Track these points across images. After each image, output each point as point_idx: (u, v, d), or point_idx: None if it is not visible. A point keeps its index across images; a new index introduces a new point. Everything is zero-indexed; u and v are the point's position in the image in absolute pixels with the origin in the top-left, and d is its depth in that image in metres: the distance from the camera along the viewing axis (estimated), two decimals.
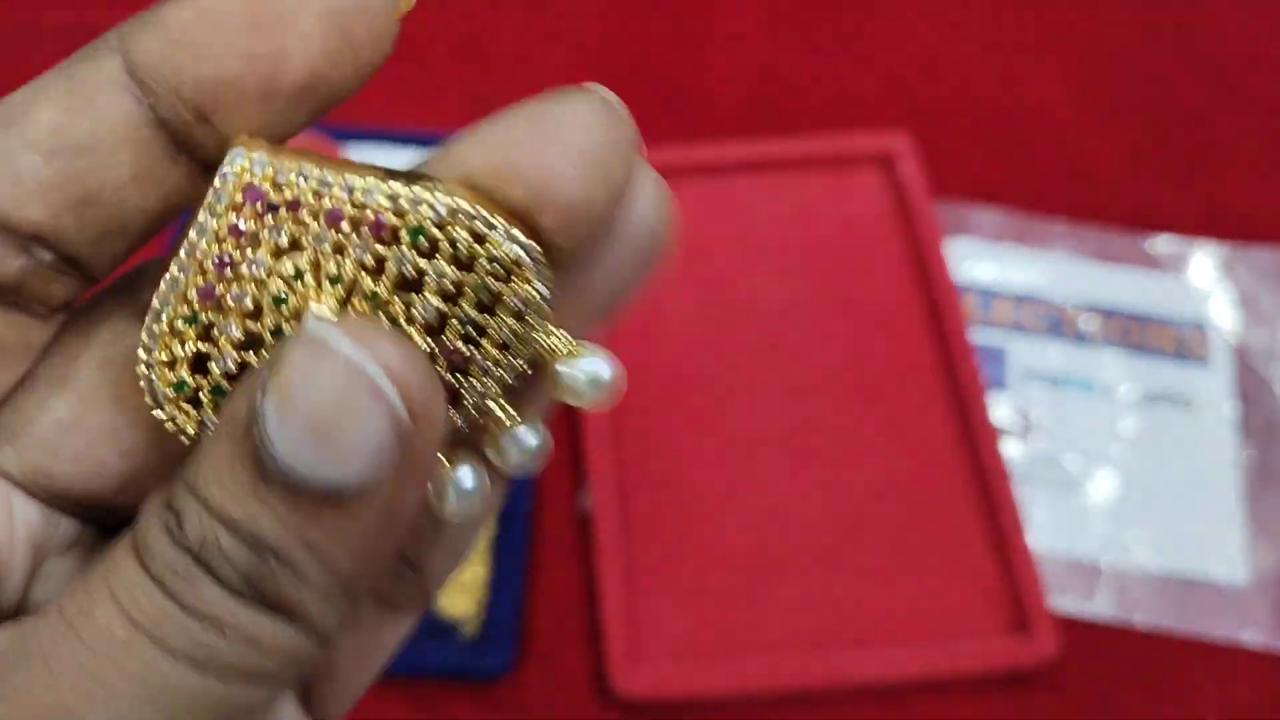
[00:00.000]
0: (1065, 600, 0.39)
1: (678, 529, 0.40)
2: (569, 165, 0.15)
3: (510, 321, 0.16)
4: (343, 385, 0.13)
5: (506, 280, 0.15)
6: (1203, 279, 0.47)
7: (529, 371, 0.16)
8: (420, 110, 0.51)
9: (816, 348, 0.44)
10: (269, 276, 0.15)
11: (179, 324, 0.15)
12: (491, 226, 0.15)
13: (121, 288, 0.17)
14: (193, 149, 0.15)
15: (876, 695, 0.37)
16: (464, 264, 0.15)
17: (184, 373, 0.15)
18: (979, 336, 0.45)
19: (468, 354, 0.16)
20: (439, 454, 0.16)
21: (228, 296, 0.15)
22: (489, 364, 0.16)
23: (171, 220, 0.16)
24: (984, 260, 0.48)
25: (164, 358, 0.15)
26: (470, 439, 0.17)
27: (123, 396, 0.16)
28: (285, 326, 0.15)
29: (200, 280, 0.15)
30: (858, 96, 0.53)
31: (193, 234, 0.15)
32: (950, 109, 0.53)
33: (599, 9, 0.57)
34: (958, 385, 0.43)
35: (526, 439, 0.17)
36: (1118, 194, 0.50)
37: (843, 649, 0.37)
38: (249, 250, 0.15)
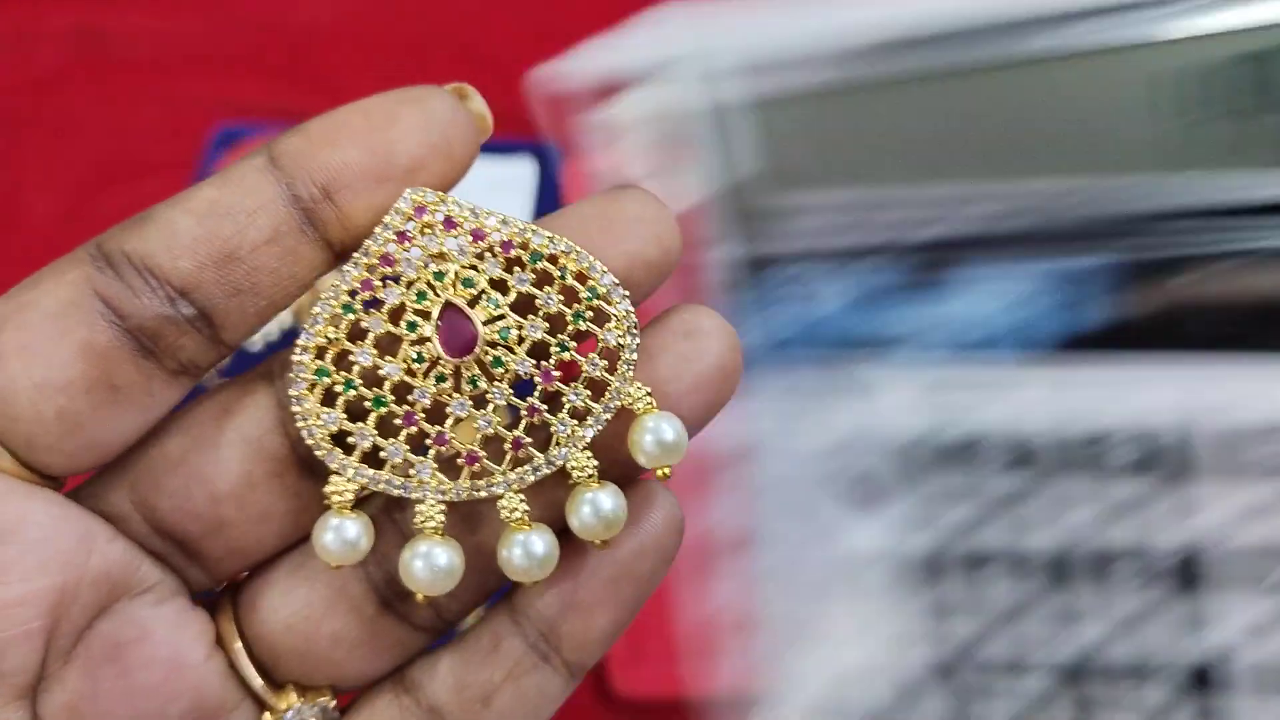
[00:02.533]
0: None
1: None
2: (646, 246, 0.19)
3: (601, 362, 0.19)
4: None
5: (601, 324, 0.19)
6: None
7: (610, 418, 0.19)
8: None
9: None
10: (418, 278, 0.18)
11: (338, 310, 0.18)
12: (594, 267, 0.18)
13: (258, 373, 0.20)
14: (318, 224, 0.18)
15: None
16: (569, 295, 0.19)
17: (328, 363, 0.18)
18: None
19: (562, 388, 0.19)
20: (517, 509, 0.19)
21: (382, 291, 0.18)
22: (578, 402, 0.19)
23: (301, 292, 0.19)
24: None
25: (317, 342, 0.18)
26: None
27: (224, 443, 0.19)
28: (418, 321, 0.18)
29: (364, 274, 0.18)
30: None
31: (368, 240, 0.18)
32: None
33: (599, 10, 0.57)
34: None
35: (602, 501, 0.18)
36: None
37: None
38: (407, 255, 0.18)
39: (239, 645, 0.19)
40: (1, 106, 0.52)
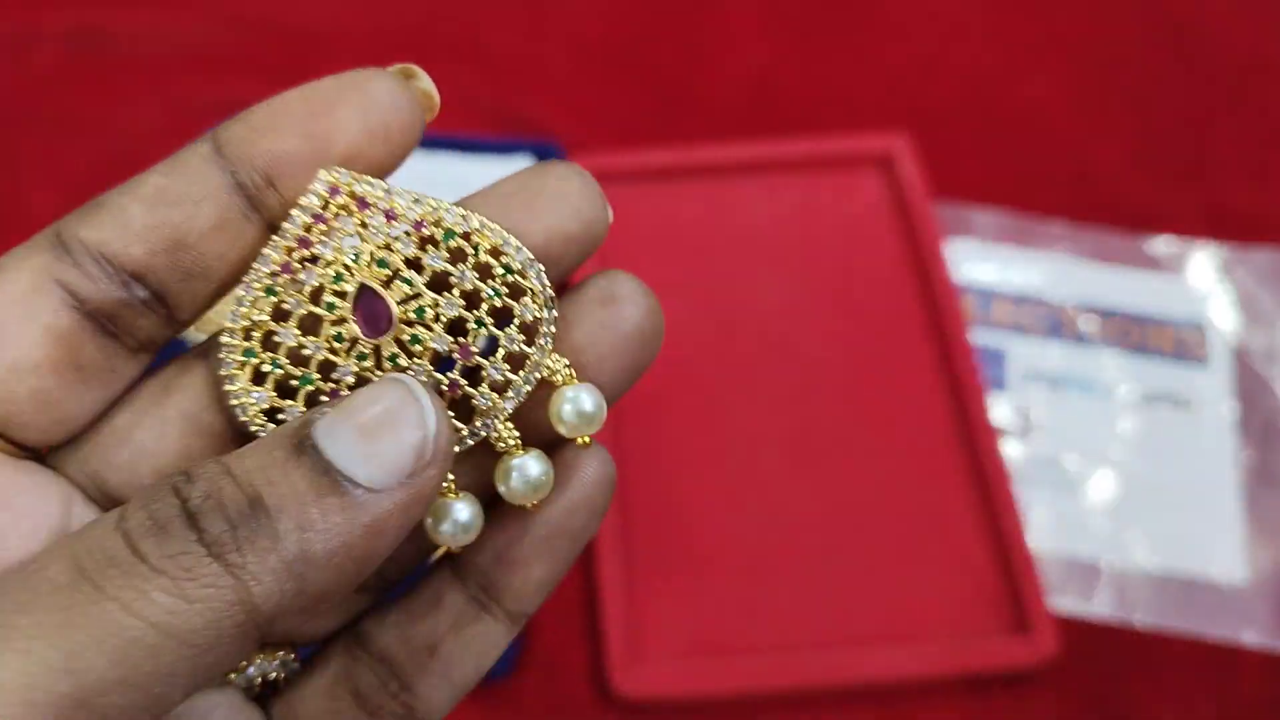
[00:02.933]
0: (1065, 600, 0.39)
1: (678, 529, 0.40)
2: (567, 220, 0.19)
3: (520, 337, 0.19)
4: (398, 404, 0.17)
5: (517, 298, 0.19)
6: (1202, 280, 0.47)
7: (530, 390, 0.19)
8: None
9: (816, 348, 0.44)
10: (335, 259, 0.19)
11: (260, 293, 0.19)
12: (508, 242, 0.19)
13: (197, 353, 0.20)
14: (262, 209, 0.19)
15: (876, 695, 0.37)
16: (484, 271, 0.19)
17: (255, 344, 0.19)
18: (979, 337, 0.45)
19: (482, 362, 0.19)
20: (443, 484, 0.19)
21: (302, 273, 0.19)
22: (498, 376, 0.19)
23: (244, 273, 0.19)
24: (984, 261, 0.48)
25: (243, 324, 0.19)
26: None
27: (166, 420, 0.20)
28: (336, 302, 0.19)
29: (284, 257, 0.19)
30: (857, 97, 0.53)
31: (285, 222, 0.19)
32: (950, 110, 0.53)
33: (599, 9, 0.57)
34: (957, 386, 0.43)
35: (529, 468, 0.19)
36: (1117, 195, 0.50)
37: (843, 649, 0.37)
38: (324, 237, 0.19)
39: None
40: (1, 106, 0.52)
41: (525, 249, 0.19)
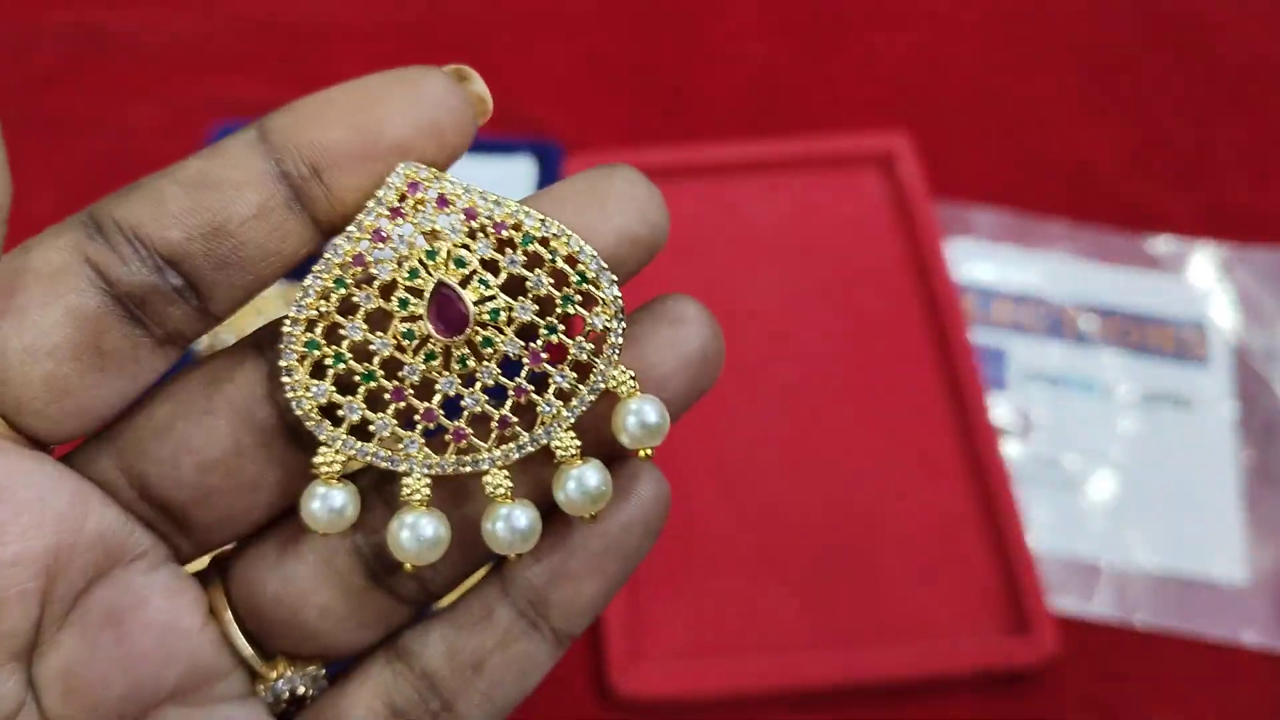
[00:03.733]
0: (1065, 600, 0.39)
1: (678, 529, 0.40)
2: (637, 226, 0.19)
3: (589, 346, 0.19)
4: None
5: (588, 307, 0.19)
6: (1202, 279, 0.47)
7: (594, 400, 0.19)
8: None
9: (816, 348, 0.44)
10: (410, 254, 0.18)
11: (330, 284, 0.18)
12: (584, 250, 0.18)
13: (248, 343, 0.19)
14: (306, 201, 0.18)
15: (876, 695, 0.37)
16: (558, 278, 0.19)
17: (318, 336, 0.18)
18: (979, 336, 0.45)
19: (549, 369, 0.19)
20: (501, 485, 0.19)
21: (374, 266, 0.18)
22: (564, 384, 0.19)
23: (287, 269, 0.18)
24: (984, 260, 0.48)
25: (308, 315, 0.18)
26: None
27: (212, 411, 0.19)
28: (410, 298, 0.18)
29: (356, 249, 0.18)
30: (857, 96, 0.53)
31: (360, 214, 0.18)
32: (950, 109, 0.53)
33: (599, 9, 0.57)
34: (958, 385, 0.43)
35: (588, 477, 0.19)
36: (1117, 194, 0.50)
37: (842, 649, 0.37)
38: (399, 232, 0.18)
39: (229, 615, 0.20)
40: (1, 104, 0.52)
41: (600, 258, 0.18)
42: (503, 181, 0.48)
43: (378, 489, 0.20)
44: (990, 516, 0.40)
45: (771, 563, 0.40)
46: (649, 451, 0.19)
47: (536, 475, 0.20)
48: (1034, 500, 0.41)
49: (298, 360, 0.18)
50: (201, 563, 0.21)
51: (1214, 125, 0.52)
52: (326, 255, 0.18)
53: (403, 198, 0.18)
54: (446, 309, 0.18)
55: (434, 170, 0.18)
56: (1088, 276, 0.47)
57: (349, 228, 0.18)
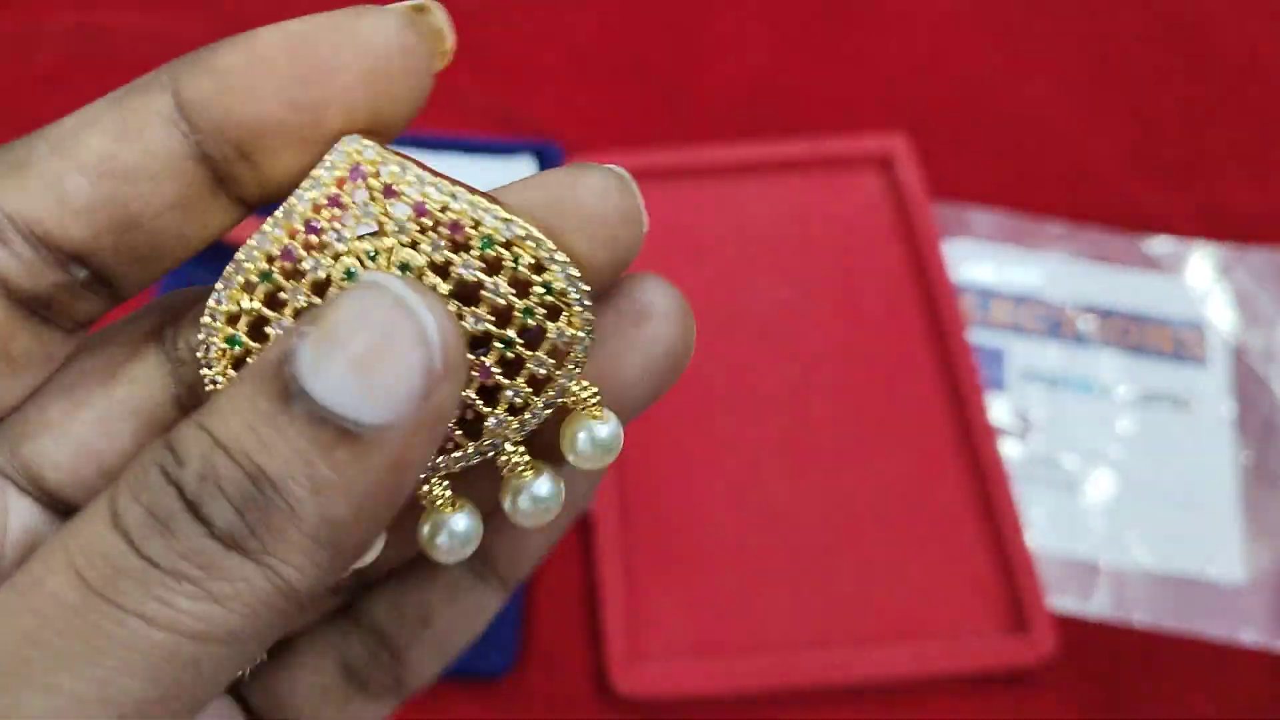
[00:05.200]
0: (1063, 600, 0.39)
1: (678, 529, 0.40)
2: (610, 224, 0.16)
3: (549, 360, 0.17)
4: (391, 324, 0.13)
5: (554, 318, 0.16)
6: (1200, 280, 0.47)
7: (550, 413, 0.17)
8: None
9: (815, 348, 0.45)
10: (348, 251, 0.16)
11: (254, 278, 0.16)
12: (553, 258, 0.16)
13: (139, 316, 0.18)
14: (231, 184, 0.16)
15: (876, 695, 0.37)
16: (520, 287, 0.16)
17: (241, 330, 0.16)
18: (977, 337, 0.45)
19: (501, 382, 0.17)
20: (440, 496, 0.17)
21: (305, 261, 0.16)
22: (518, 399, 0.17)
23: (203, 249, 0.16)
24: (982, 261, 0.48)
25: (229, 308, 0.16)
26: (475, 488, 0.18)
27: (114, 415, 0.17)
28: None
29: (286, 240, 0.16)
30: (856, 98, 0.54)
31: (293, 199, 0.16)
32: (948, 110, 0.53)
33: (598, 10, 0.57)
34: (956, 386, 0.43)
35: (539, 488, 0.17)
36: (1116, 195, 0.50)
37: (842, 648, 0.37)
38: (337, 224, 0.16)
39: None
40: (2, 107, 0.52)
41: (571, 266, 0.16)
42: (503, 183, 0.48)
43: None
44: (989, 516, 0.40)
45: (771, 562, 0.40)
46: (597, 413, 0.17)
47: (486, 476, 0.18)
48: (1032, 500, 0.42)
49: (218, 355, 0.16)
50: None
51: (1211, 126, 0.53)
52: (251, 244, 0.16)
53: (342, 184, 0.16)
54: None
55: (380, 150, 0.16)
56: (1086, 277, 0.47)
57: (277, 212, 0.16)
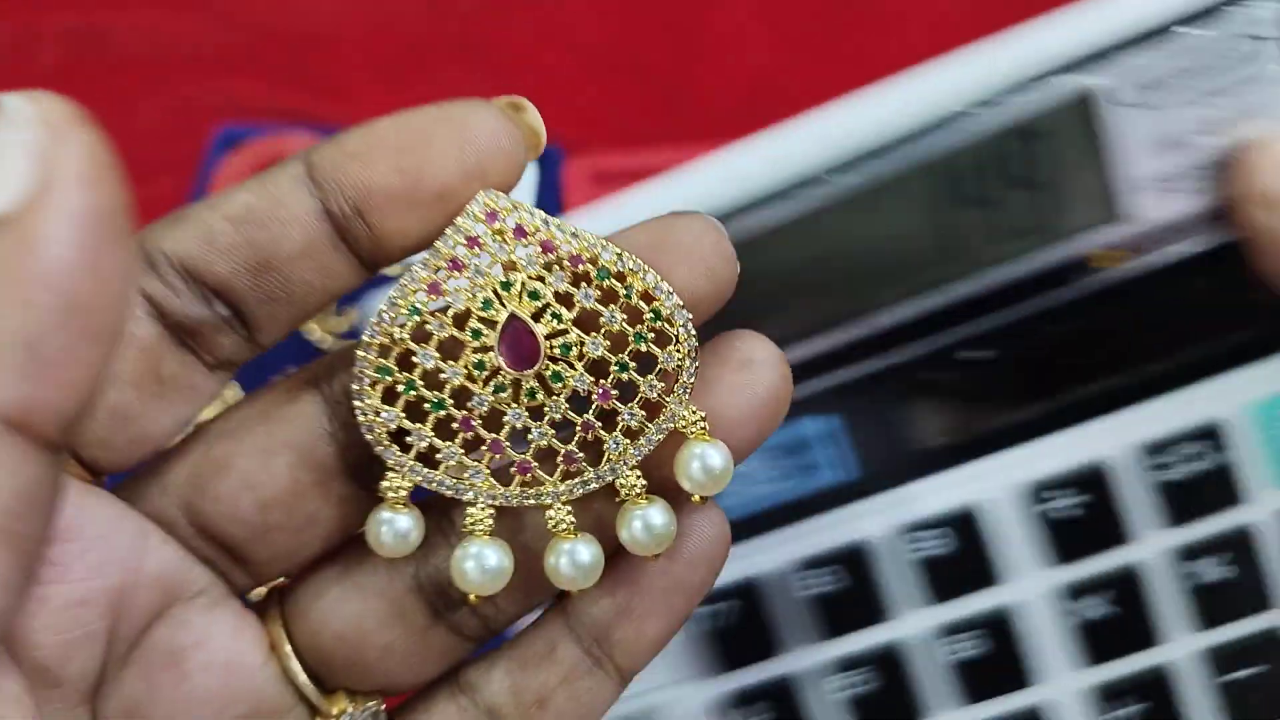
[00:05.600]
0: None
1: None
2: (713, 263, 0.19)
3: (659, 384, 0.19)
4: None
5: (662, 346, 0.19)
6: None
7: (661, 439, 0.19)
8: None
9: None
10: (485, 284, 0.18)
11: (405, 310, 0.18)
12: (659, 287, 0.18)
13: (298, 372, 0.20)
14: (350, 240, 0.18)
15: None
16: (632, 315, 0.19)
17: (391, 362, 0.19)
18: None
19: (618, 406, 0.19)
20: (564, 521, 0.19)
21: (448, 293, 0.18)
22: (633, 422, 0.19)
23: (332, 301, 0.19)
24: None
25: (382, 340, 0.18)
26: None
27: (272, 450, 0.19)
28: (482, 329, 0.18)
29: (433, 276, 0.18)
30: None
31: (438, 242, 0.18)
32: None
33: (598, 10, 0.57)
34: None
35: (653, 517, 0.19)
36: None
37: None
38: (476, 261, 0.18)
39: (289, 651, 0.20)
40: None
41: (676, 296, 0.18)
42: None
43: (439, 526, 0.20)
44: None
45: None
46: (702, 499, 0.19)
47: (599, 511, 0.20)
48: None
49: (370, 385, 0.18)
50: (259, 591, 0.21)
51: None
52: (403, 281, 0.18)
53: (479, 224, 0.18)
54: (518, 342, 0.18)
55: (513, 200, 0.18)
56: None
57: (425, 254, 0.18)
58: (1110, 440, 0.29)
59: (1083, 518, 0.29)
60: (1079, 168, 0.27)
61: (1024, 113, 0.28)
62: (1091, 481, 0.29)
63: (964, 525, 0.29)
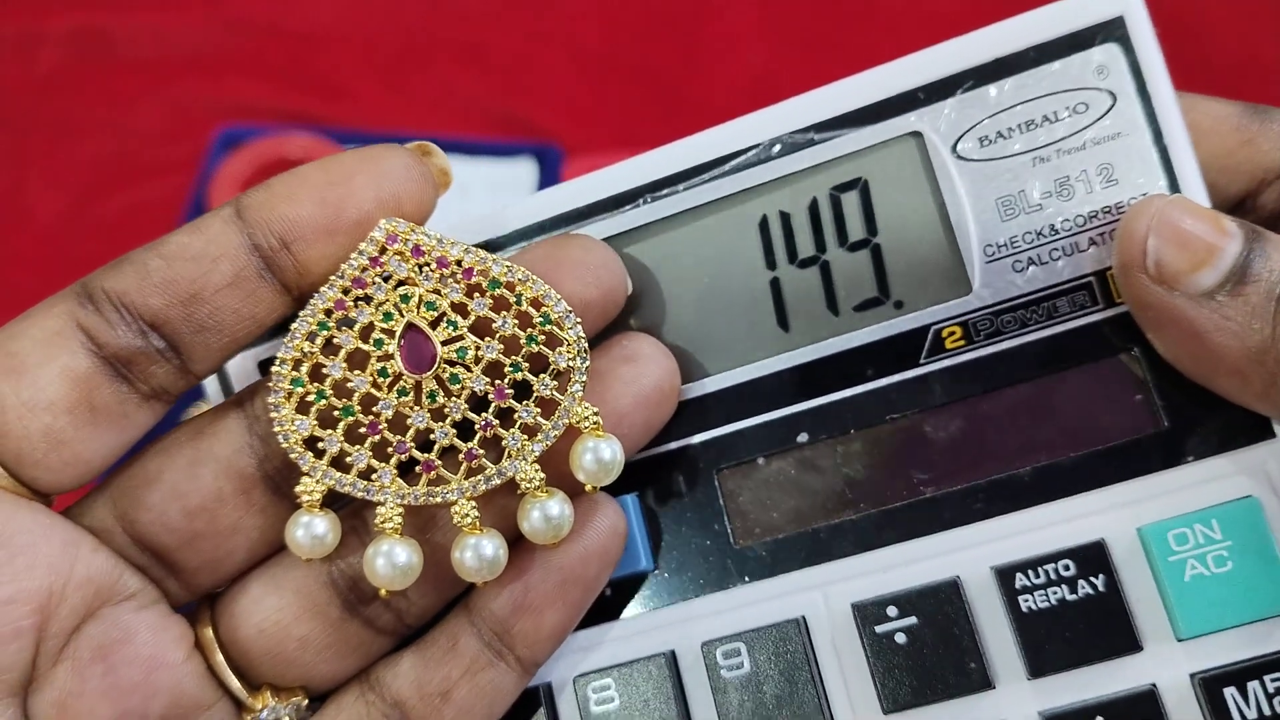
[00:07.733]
0: None
1: None
2: (602, 275, 0.21)
3: (552, 383, 0.20)
4: None
5: (553, 348, 0.20)
6: None
7: (559, 435, 0.20)
8: (421, 112, 0.52)
9: None
10: (385, 299, 0.20)
11: (315, 327, 0.20)
12: (549, 294, 0.20)
13: (231, 402, 0.22)
14: (277, 270, 0.20)
15: None
16: (524, 320, 0.20)
17: (304, 374, 0.20)
18: None
19: (515, 405, 0.20)
20: (470, 516, 0.20)
21: (354, 309, 0.20)
22: (529, 419, 0.20)
23: (260, 332, 0.21)
24: None
25: (294, 355, 0.20)
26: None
27: (198, 462, 0.21)
28: (384, 339, 0.20)
29: (339, 295, 0.20)
30: None
31: (344, 264, 0.20)
32: None
33: (599, 11, 0.57)
34: None
35: (550, 507, 0.20)
36: None
37: None
38: (378, 279, 0.20)
39: (216, 648, 0.21)
40: (4, 108, 0.52)
41: (564, 301, 0.20)
42: (504, 184, 0.48)
43: (351, 524, 0.22)
44: None
45: None
46: (596, 488, 0.21)
47: (503, 506, 0.21)
48: None
49: (284, 397, 0.20)
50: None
51: None
52: (312, 301, 0.20)
53: (382, 250, 0.20)
54: (416, 348, 0.20)
55: (412, 224, 0.20)
56: None
57: (333, 276, 0.20)
58: (963, 555, 0.22)
59: (907, 647, 0.21)
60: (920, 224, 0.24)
61: (857, 159, 0.25)
62: (926, 603, 0.21)
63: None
